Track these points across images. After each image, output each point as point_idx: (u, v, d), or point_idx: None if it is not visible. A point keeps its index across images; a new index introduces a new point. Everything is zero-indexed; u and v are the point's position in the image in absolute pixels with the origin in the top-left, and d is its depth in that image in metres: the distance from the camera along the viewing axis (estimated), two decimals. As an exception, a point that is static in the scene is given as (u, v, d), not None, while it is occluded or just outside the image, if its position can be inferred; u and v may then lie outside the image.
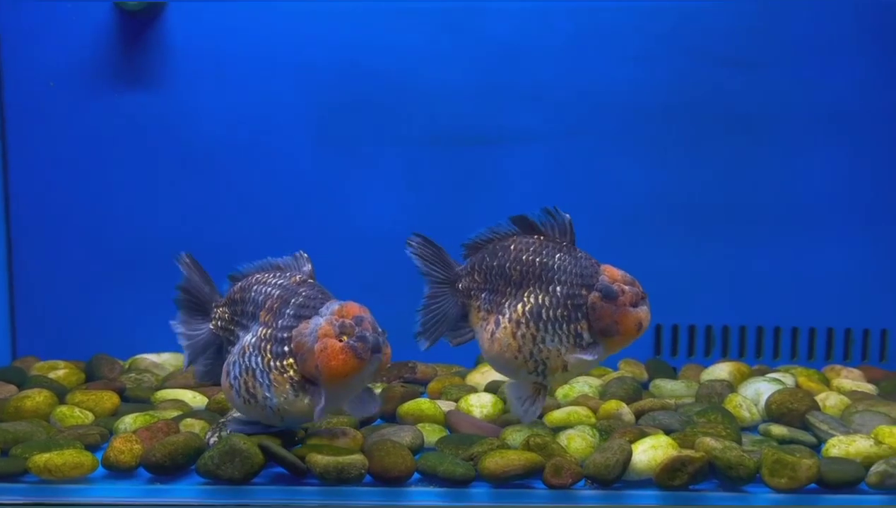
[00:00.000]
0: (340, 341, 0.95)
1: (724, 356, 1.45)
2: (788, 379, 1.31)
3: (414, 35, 1.44)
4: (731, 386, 1.26)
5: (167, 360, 1.41)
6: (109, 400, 1.20)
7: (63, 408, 1.16)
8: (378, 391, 1.26)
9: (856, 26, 1.38)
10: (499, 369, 1.11)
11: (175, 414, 1.16)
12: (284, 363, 0.97)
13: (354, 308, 0.97)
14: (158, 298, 1.45)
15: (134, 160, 1.44)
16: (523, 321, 1.04)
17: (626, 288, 1.05)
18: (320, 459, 0.98)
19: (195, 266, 1.12)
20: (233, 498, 0.97)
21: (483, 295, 1.08)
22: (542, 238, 1.08)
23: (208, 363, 1.10)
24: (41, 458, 0.98)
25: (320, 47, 1.44)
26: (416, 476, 1.01)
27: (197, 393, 1.26)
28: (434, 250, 1.12)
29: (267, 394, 0.98)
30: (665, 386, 1.32)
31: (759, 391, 1.23)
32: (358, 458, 0.99)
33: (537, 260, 1.06)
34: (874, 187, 1.39)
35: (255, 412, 1.01)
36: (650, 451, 1.00)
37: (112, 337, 1.42)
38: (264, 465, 0.99)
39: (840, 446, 1.03)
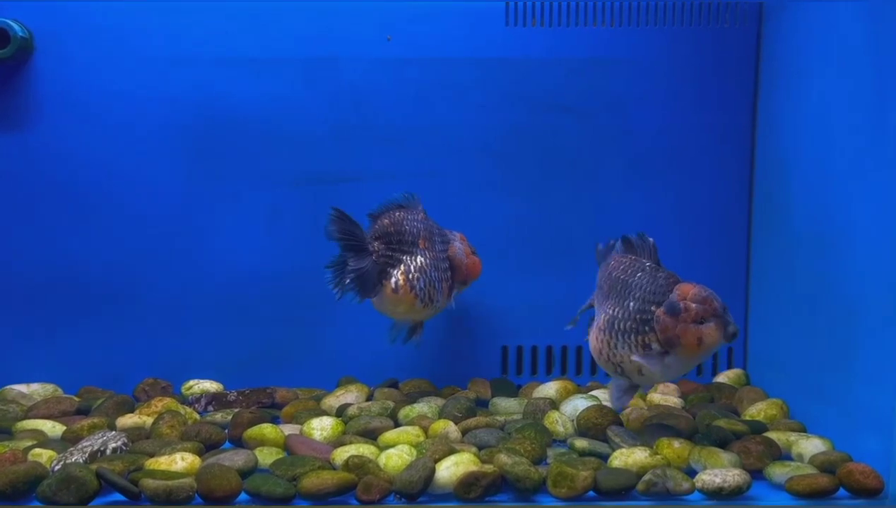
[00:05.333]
0: (474, 257, 1.46)
1: (563, 373, 1.60)
2: (608, 396, 1.45)
3: (273, 82, 1.55)
4: (553, 403, 1.40)
5: (35, 391, 1.48)
6: (-32, 431, 1.27)
7: (-78, 441, 1.23)
8: (230, 417, 1.37)
9: (665, 83, 1.55)
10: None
11: (30, 443, 1.24)
12: (448, 275, 1.41)
13: (462, 235, 1.48)
14: (30, 331, 1.54)
15: (3, 196, 1.52)
16: (604, 328, 1.25)
17: (693, 305, 1.17)
18: (151, 483, 1.08)
19: (344, 216, 1.38)
20: (68, 522, 1.06)
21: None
22: (634, 258, 1.26)
23: (375, 283, 1.38)
24: None
25: (186, 92, 1.54)
26: (243, 496, 1.11)
27: (57, 423, 1.34)
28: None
29: (438, 298, 1.40)
30: (502, 403, 1.45)
31: (576, 407, 1.37)
32: (186, 481, 1.09)
33: (621, 277, 1.25)
34: (682, 221, 1.55)
35: (423, 313, 1.40)
36: (452, 467, 1.13)
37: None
38: (99, 491, 1.08)
39: (621, 457, 1.17)
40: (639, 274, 1.22)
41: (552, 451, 1.25)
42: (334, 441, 1.28)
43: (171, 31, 1.53)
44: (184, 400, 1.47)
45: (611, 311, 1.23)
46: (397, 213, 1.40)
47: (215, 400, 1.46)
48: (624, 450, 1.18)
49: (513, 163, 1.57)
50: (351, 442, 1.25)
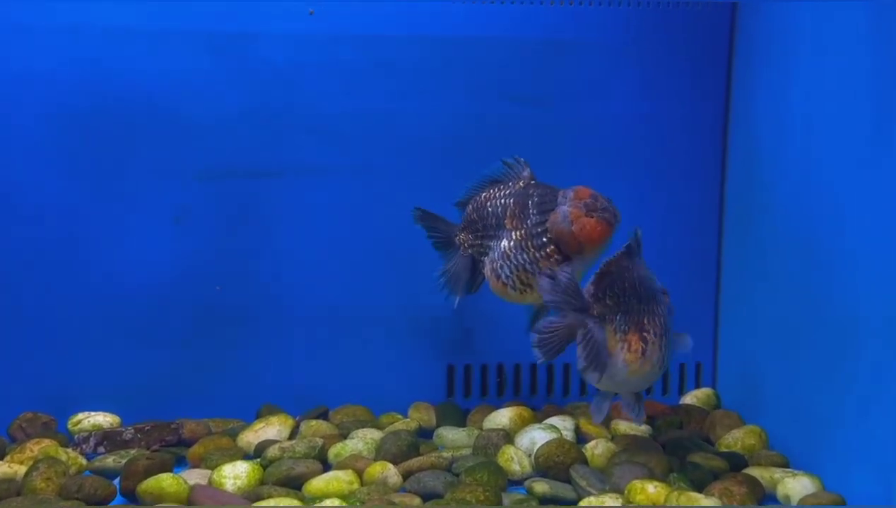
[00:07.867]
0: (591, 217, 1.16)
1: (517, 394, 1.42)
2: (569, 424, 1.28)
3: (178, 59, 1.31)
4: (508, 436, 1.22)
5: None
6: None
7: None
8: (124, 461, 1.14)
9: (629, 68, 1.38)
10: (634, 385, 1.11)
11: None
12: (548, 250, 1.18)
13: (586, 190, 1.18)
14: None
15: None
16: (663, 333, 1.10)
17: None
18: (7, 569, 0.85)
19: (427, 214, 1.29)
20: None
21: (617, 317, 1.08)
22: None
23: (467, 278, 1.28)
24: None
25: (70, 69, 1.28)
26: (130, 574, 0.90)
27: None
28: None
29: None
30: (448, 435, 1.27)
31: (534, 440, 1.19)
32: (54, 565, 0.87)
33: (648, 275, 1.12)
34: (645, 220, 1.37)
35: (532, 297, 1.21)
36: (391, 530, 0.94)
37: None
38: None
39: (589, 508, 1.01)
40: (648, 270, 1.13)
41: (508, 497, 1.07)
42: (250, 493, 1.07)
43: (50, -7, 1.28)
44: (69, 440, 1.24)
45: (660, 311, 1.10)
46: (482, 195, 1.26)
47: (107, 440, 1.22)
48: (592, 498, 1.02)
49: (460, 156, 1.37)
50: (270, 495, 1.05)
